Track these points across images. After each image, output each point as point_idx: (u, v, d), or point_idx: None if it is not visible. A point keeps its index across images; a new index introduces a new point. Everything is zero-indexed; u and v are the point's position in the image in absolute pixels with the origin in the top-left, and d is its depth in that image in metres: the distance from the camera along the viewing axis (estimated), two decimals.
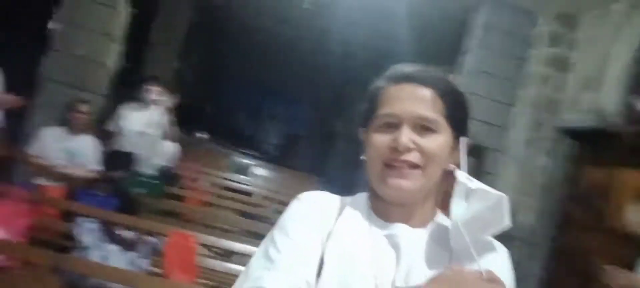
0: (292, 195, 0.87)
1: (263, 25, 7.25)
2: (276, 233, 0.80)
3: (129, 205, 2.83)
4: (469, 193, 0.76)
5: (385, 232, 0.80)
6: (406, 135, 0.78)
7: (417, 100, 0.80)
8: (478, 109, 5.22)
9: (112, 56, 4.60)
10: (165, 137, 4.09)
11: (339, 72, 8.86)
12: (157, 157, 4.09)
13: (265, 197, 6.10)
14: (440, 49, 6.83)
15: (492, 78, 5.14)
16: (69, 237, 2.17)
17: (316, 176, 9.74)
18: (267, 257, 0.76)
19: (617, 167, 4.00)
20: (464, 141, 0.82)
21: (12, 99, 2.61)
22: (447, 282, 0.66)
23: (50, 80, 4.16)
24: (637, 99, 4.12)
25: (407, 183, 0.78)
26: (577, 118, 4.53)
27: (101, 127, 4.11)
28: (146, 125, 3.97)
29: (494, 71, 5.14)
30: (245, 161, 8.58)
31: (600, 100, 4.28)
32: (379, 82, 0.85)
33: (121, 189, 3.13)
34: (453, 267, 0.71)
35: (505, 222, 0.75)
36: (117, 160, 3.73)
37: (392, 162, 0.78)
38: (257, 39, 8.01)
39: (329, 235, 0.79)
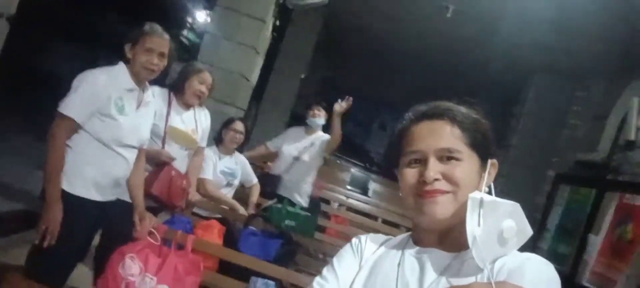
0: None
1: (392, 38, 6.86)
2: (324, 268, 0.95)
3: (291, 248, 2.52)
4: (482, 206, 0.79)
5: (415, 254, 0.88)
6: (432, 169, 0.85)
7: (437, 134, 0.87)
8: None
9: (256, 70, 4.45)
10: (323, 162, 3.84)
11: (466, 86, 8.19)
12: (306, 186, 3.80)
13: (390, 222, 5.69)
14: (608, 66, 5.95)
15: None
16: None
17: None
18: (314, 284, 0.93)
19: None
20: (490, 163, 0.89)
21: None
22: None
23: None
24: None
25: (440, 208, 0.84)
26: None
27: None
28: (304, 151, 3.71)
29: None
30: (363, 175, 8.20)
31: None
32: (401, 124, 0.93)
33: (275, 222, 2.85)
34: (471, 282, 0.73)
35: (528, 232, 0.78)
36: (267, 183, 3.53)
37: (423, 193, 0.85)
38: (382, 52, 7.65)
39: (361, 265, 0.93)
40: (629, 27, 4.72)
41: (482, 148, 0.88)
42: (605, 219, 4.75)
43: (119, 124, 1.90)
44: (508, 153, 7.44)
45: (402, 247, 0.92)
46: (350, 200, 5.81)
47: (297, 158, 3.70)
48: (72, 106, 1.80)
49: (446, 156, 0.86)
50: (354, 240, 0.99)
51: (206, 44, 4.17)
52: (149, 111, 2.09)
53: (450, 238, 0.86)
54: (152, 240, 1.86)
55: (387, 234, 1.02)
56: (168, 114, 2.47)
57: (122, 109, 1.90)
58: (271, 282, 1.86)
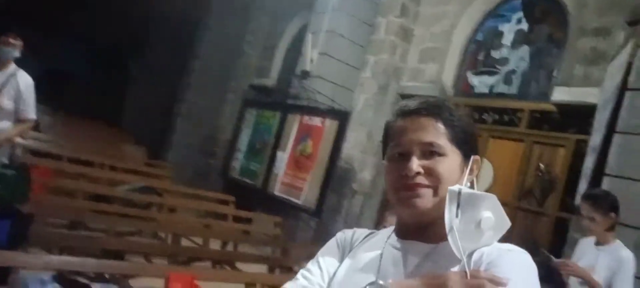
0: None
1: None
2: (309, 261, 0.97)
3: (24, 223, 1.98)
4: (460, 198, 0.83)
5: (397, 246, 0.91)
6: (414, 162, 0.86)
7: (421, 129, 0.88)
8: (331, 71, 5.37)
9: None
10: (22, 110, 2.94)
11: (140, 14, 7.86)
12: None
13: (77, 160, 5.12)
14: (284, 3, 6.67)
15: (345, 41, 5.30)
16: None
17: (112, 123, 8.61)
18: (298, 275, 0.95)
19: None
20: (472, 159, 0.90)
21: None
22: (427, 280, 0.79)
23: None
24: (470, 73, 4.90)
25: (421, 201, 0.86)
26: (417, 86, 5.08)
27: None
28: None
29: (347, 34, 5.30)
30: None
31: (441, 73, 4.93)
32: (390, 119, 0.93)
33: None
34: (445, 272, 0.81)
35: (505, 224, 0.83)
36: None
37: (404, 186, 0.87)
38: None
39: (344, 257, 0.96)
40: None
41: (465, 145, 0.91)
42: (289, 138, 5.62)
43: None
44: (190, 80, 7.71)
45: (384, 239, 0.94)
46: (29, 141, 4.84)
47: None
48: None
49: (429, 151, 0.87)
50: (338, 233, 1.01)
51: None
52: None
53: (430, 231, 0.88)
54: None
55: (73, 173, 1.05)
56: None
57: None
58: (46, 278, 1.45)
